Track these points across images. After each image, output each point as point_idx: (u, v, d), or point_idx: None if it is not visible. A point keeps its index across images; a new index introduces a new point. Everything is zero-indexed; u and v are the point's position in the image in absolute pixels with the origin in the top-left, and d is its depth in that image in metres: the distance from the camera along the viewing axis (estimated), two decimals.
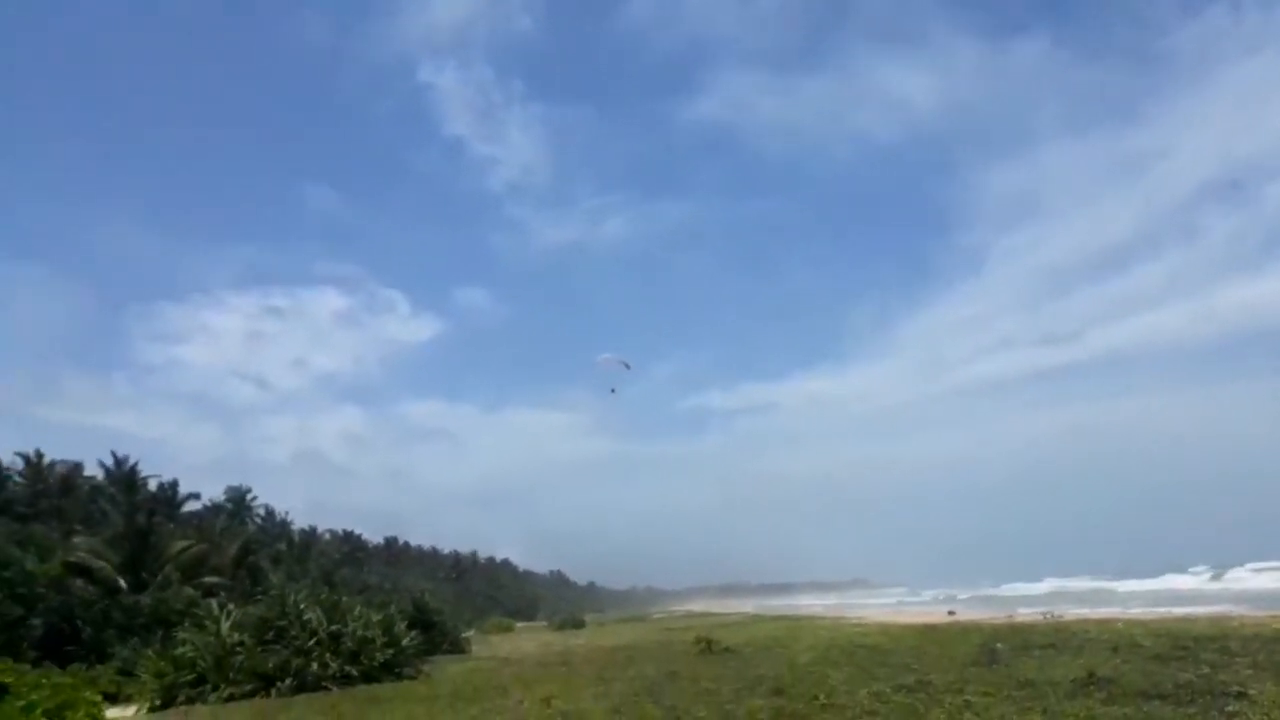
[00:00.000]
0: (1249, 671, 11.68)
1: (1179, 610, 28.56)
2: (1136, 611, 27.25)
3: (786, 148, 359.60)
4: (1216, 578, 73.58)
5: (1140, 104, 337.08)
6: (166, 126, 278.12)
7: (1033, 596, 66.33)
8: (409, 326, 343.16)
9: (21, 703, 9.39)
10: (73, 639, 29.02)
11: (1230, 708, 9.35)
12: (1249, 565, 78.82)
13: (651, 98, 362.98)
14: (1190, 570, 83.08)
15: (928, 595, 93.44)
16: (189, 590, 36.30)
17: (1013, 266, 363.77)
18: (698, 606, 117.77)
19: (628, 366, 33.26)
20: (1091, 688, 11.19)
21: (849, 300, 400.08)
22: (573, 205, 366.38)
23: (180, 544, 43.50)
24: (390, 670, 20.74)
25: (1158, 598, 47.50)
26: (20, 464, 56.64)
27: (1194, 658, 13.32)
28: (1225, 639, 15.13)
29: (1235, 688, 10.41)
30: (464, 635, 36.78)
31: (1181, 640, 15.38)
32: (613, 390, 33.51)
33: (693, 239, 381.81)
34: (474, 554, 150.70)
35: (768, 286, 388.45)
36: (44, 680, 10.60)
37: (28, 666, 14.00)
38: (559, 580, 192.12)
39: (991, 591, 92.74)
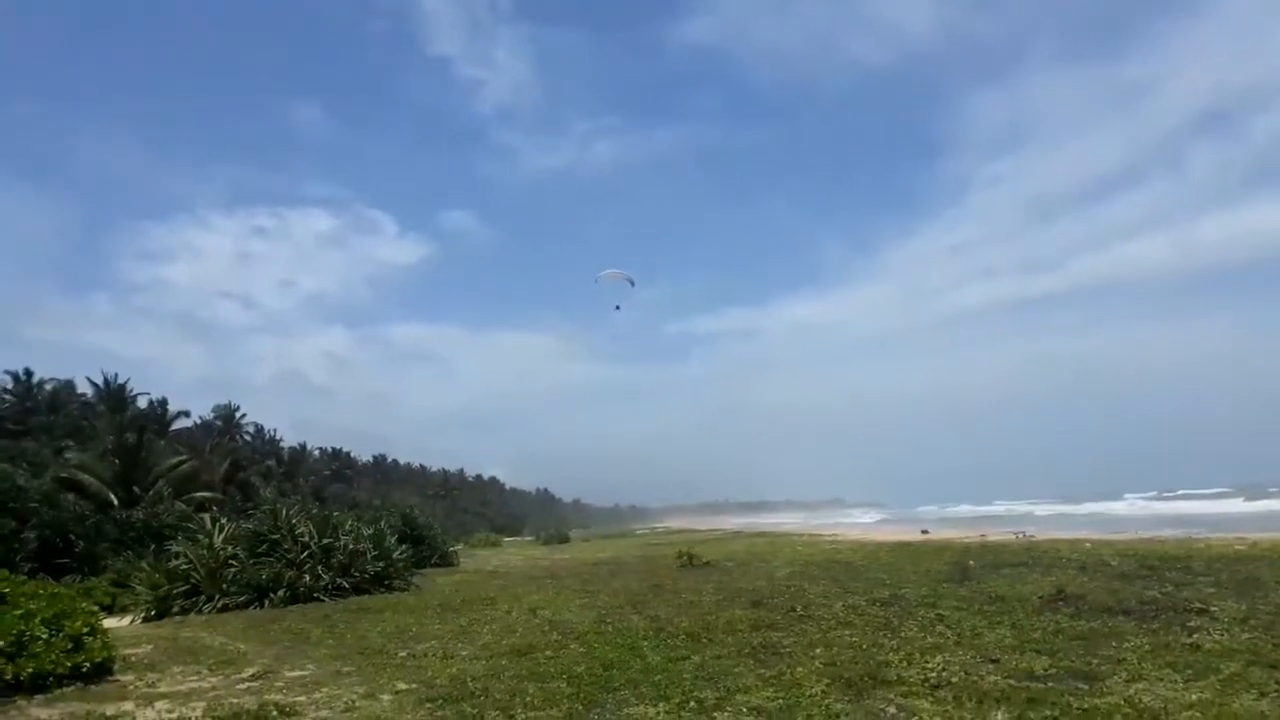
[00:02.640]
0: (1211, 590, 12.09)
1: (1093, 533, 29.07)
2: (1098, 534, 27.84)
3: (778, 73, 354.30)
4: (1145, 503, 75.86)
5: (1133, 34, 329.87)
6: (152, 43, 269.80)
7: (977, 517, 67.76)
8: (396, 248, 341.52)
9: (19, 611, 9.55)
10: (66, 552, 29.26)
11: (1192, 623, 9.71)
12: (1181, 491, 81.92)
13: (643, 19, 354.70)
14: (1125, 497, 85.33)
15: (869, 517, 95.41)
16: (181, 505, 36.62)
17: (996, 195, 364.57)
18: (679, 523, 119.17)
19: (632, 283, 31.92)
20: (1059, 603, 11.57)
21: (835, 226, 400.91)
22: (562, 129, 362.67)
23: (171, 460, 43.76)
24: (381, 582, 21.05)
25: (1085, 522, 48.66)
26: (9, 381, 56.56)
27: (1159, 576, 13.76)
28: (1189, 559, 15.61)
29: (1197, 604, 10.80)
30: (452, 550, 37.16)
31: (1147, 560, 15.84)
32: (617, 307, 32.47)
33: (682, 165, 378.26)
34: (461, 472, 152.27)
35: (755, 213, 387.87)
36: (41, 591, 10.75)
37: (24, 578, 14.13)
38: (545, 498, 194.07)
39: (945, 513, 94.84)
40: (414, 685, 8.88)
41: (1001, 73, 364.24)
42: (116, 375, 60.13)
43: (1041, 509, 78.63)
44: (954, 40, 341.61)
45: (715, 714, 7.04)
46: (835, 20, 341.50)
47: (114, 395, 58.64)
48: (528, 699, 7.90)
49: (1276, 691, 6.73)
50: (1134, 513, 61.12)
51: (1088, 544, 20.77)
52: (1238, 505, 58.82)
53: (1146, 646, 8.62)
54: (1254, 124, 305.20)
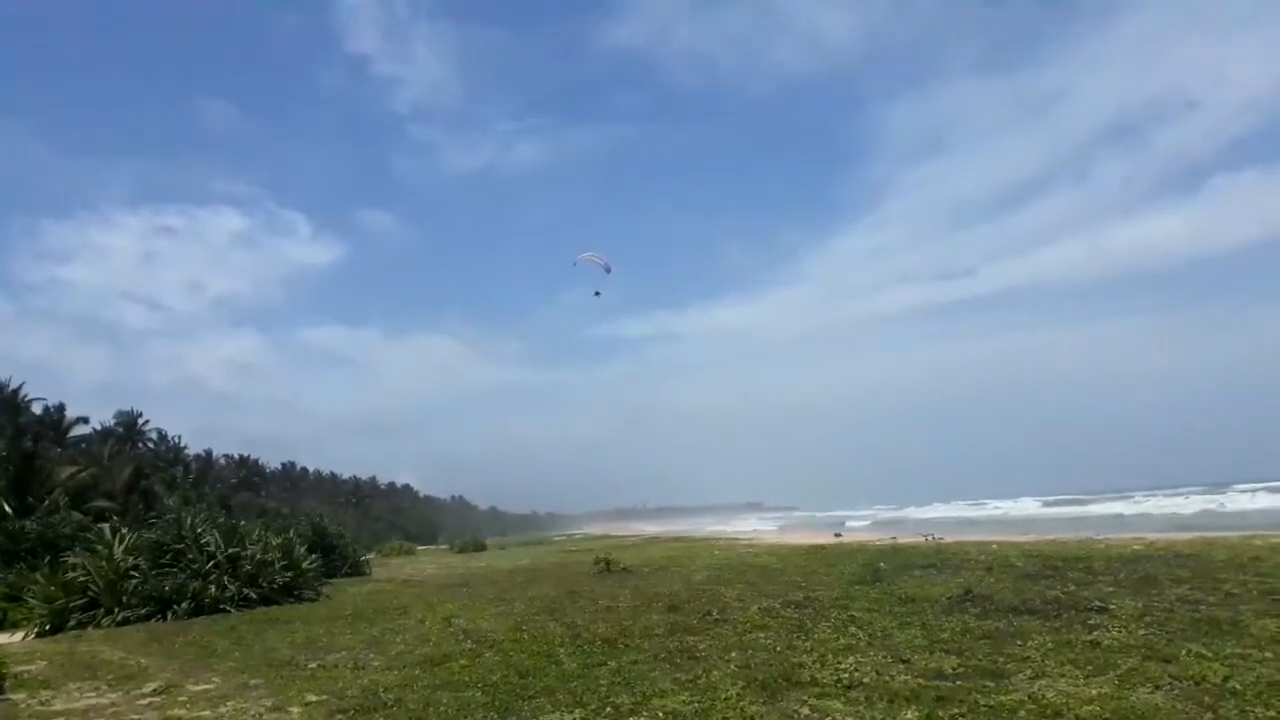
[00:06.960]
0: (1110, 589, 12.53)
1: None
2: (1004, 535, 28.72)
3: (700, 78, 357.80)
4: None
5: (1045, 45, 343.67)
6: (54, 32, 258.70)
7: (889, 520, 69.51)
8: (310, 249, 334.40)
9: None
10: None
11: (1092, 621, 10.04)
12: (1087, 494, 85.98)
13: (566, 19, 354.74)
14: (1025, 499, 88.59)
15: (785, 521, 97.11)
16: (78, 515, 35.21)
17: (913, 201, 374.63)
18: (597, 529, 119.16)
19: (609, 270, 30.83)
20: (967, 604, 11.87)
21: (755, 230, 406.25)
22: (483, 128, 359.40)
23: (69, 469, 42.05)
24: (290, 593, 20.60)
25: (991, 524, 50.47)
26: None
27: (1061, 576, 14.20)
28: (1090, 559, 16.16)
29: (1097, 603, 11.17)
30: (364, 558, 36.49)
31: (1051, 561, 16.35)
32: (597, 293, 31.56)
33: (603, 167, 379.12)
34: (374, 479, 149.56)
35: (675, 216, 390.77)
36: None
37: None
38: (460, 505, 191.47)
39: (858, 515, 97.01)
40: (324, 697, 8.68)
41: (919, 81, 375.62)
42: (10, 379, 57.43)
43: (951, 511, 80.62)
44: (873, 49, 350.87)
45: (631, 719, 7.03)
46: (757, 27, 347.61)
47: (6, 400, 55.96)
48: (442, 709, 7.79)
49: (1170, 684, 6.99)
50: (1039, 514, 63.10)
51: (994, 545, 21.35)
52: (1141, 506, 60.98)
53: (1050, 644, 8.88)
54: (1156, 136, 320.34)
